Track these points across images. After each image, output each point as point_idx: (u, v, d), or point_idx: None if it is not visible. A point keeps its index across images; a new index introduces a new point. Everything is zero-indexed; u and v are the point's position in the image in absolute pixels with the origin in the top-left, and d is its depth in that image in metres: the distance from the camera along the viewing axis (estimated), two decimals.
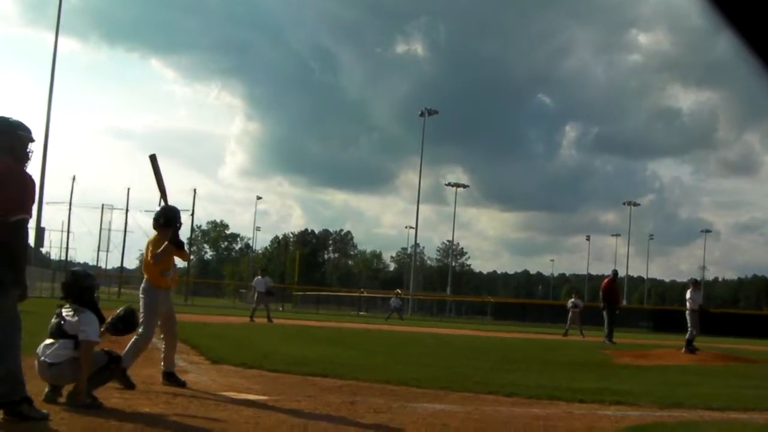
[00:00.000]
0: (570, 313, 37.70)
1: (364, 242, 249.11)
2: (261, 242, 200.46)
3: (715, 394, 11.12)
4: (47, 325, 8.11)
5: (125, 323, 8.78)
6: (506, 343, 27.19)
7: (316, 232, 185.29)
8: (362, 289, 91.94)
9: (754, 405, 9.96)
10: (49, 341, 7.89)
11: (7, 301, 6.74)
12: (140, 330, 9.47)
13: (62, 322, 7.89)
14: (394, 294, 65.02)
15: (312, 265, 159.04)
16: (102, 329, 8.15)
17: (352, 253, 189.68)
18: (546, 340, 31.42)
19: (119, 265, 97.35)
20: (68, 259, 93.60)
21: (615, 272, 31.74)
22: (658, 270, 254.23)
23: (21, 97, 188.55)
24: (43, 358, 7.78)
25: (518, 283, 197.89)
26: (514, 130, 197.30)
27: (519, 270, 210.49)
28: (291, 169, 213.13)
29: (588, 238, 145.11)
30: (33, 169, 7.24)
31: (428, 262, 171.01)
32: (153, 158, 9.97)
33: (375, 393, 10.00)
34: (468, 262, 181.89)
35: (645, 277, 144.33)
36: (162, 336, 10.11)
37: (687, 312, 22.64)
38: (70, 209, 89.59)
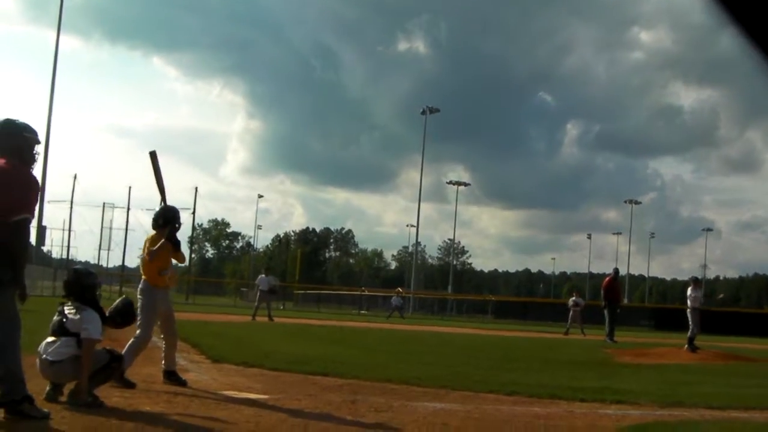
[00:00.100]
0: (571, 312, 37.68)
1: (365, 241, 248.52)
2: (262, 241, 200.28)
3: (716, 393, 11.12)
4: (48, 323, 8.12)
5: (123, 315, 8.76)
6: (507, 341, 27.20)
7: (318, 230, 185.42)
8: (363, 288, 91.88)
9: (755, 404, 9.95)
10: (50, 339, 7.89)
11: (7, 301, 6.75)
12: (138, 331, 9.48)
13: (64, 320, 7.89)
14: (395, 292, 65.06)
15: (313, 264, 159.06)
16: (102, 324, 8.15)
17: (353, 251, 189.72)
18: (547, 338, 31.41)
19: (120, 263, 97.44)
20: (69, 257, 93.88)
21: (616, 271, 31.75)
22: (660, 268, 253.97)
23: (23, 96, 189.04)
24: (44, 356, 7.78)
25: (519, 281, 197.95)
26: (515, 128, 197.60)
27: (520, 268, 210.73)
28: (292, 168, 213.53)
29: (589, 237, 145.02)
30: (35, 167, 7.26)
31: (429, 260, 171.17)
32: (153, 155, 9.94)
33: (376, 392, 10.00)
34: (469, 261, 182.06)
35: (646, 276, 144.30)
36: (162, 335, 10.11)
37: (688, 310, 22.66)
38: (71, 208, 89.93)
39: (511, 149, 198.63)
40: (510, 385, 11.02)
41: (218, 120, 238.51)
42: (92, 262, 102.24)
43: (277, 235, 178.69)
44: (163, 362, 9.92)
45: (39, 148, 7.37)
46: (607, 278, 30.32)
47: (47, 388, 7.83)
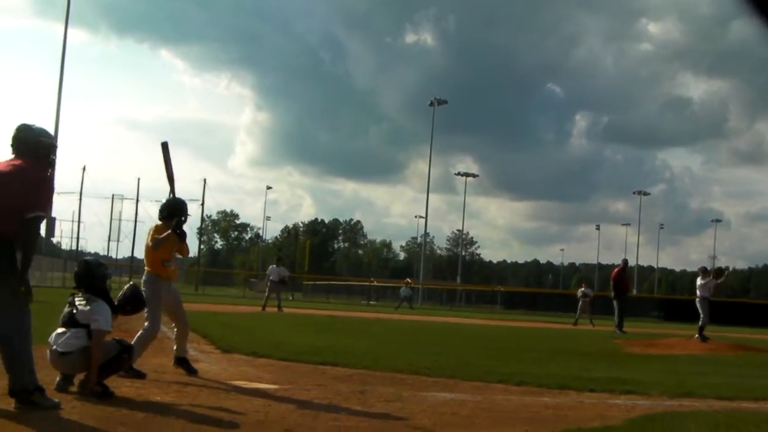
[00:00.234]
0: (580, 303, 37.67)
1: (374, 232, 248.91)
2: (271, 232, 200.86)
3: (725, 384, 11.10)
4: (59, 314, 8.14)
5: (132, 303, 8.77)
6: (516, 332, 27.21)
7: (326, 221, 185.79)
8: (372, 279, 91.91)
9: (764, 395, 9.93)
10: (60, 330, 7.91)
11: (11, 292, 6.79)
12: (146, 323, 9.49)
13: (74, 312, 7.91)
14: (404, 283, 64.91)
15: (322, 255, 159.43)
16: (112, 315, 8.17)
17: (362, 242, 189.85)
18: (556, 329, 31.42)
19: (130, 254, 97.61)
20: (79, 249, 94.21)
21: (625, 261, 31.68)
22: (669, 259, 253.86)
23: (32, 89, 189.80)
24: (54, 347, 7.80)
25: (528, 272, 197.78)
26: (523, 120, 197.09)
27: (529, 259, 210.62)
28: (301, 159, 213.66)
29: (598, 228, 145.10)
30: (52, 171, 7.34)
31: (438, 251, 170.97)
32: (165, 146, 9.93)
33: (385, 382, 10.02)
34: (478, 252, 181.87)
35: (655, 267, 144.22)
36: (173, 326, 10.13)
37: (697, 300, 22.64)
38: (80, 199, 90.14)
39: (520, 141, 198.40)
40: (519, 375, 11.02)
41: (226, 112, 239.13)
42: (101, 253, 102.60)
43: (286, 227, 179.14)
44: (174, 349, 9.96)
45: (55, 153, 7.45)
46: (616, 269, 30.26)
47: (57, 378, 7.86)
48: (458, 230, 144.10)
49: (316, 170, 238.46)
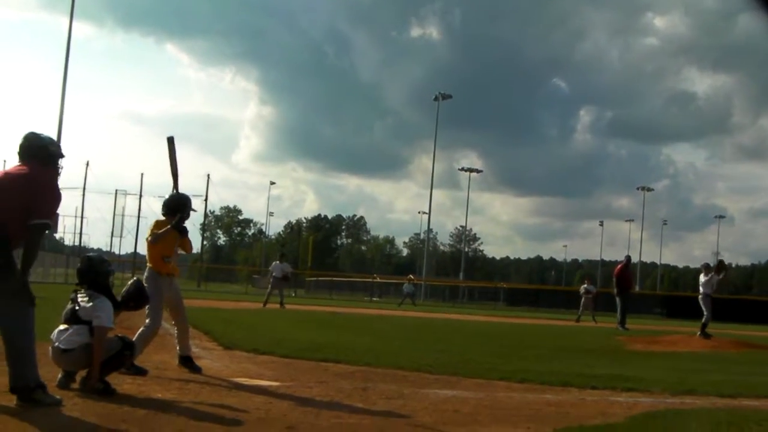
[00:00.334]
0: (583, 299, 37.72)
1: (377, 227, 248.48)
2: (274, 228, 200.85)
3: (727, 381, 11.10)
4: (61, 310, 8.15)
5: (136, 299, 8.77)
6: (519, 329, 27.22)
7: (330, 217, 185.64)
8: (375, 275, 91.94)
9: (766, 392, 9.94)
10: (63, 327, 7.92)
11: (12, 287, 6.81)
12: (147, 320, 9.48)
13: (77, 308, 7.91)
14: (407, 279, 64.98)
15: (325, 251, 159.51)
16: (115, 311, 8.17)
17: (365, 238, 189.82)
18: (558, 326, 31.43)
19: (133, 250, 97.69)
20: (82, 244, 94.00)
21: (628, 258, 31.61)
22: (672, 256, 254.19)
23: (36, 83, 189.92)
24: (57, 343, 7.81)
25: (531, 268, 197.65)
26: (528, 115, 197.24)
27: (532, 256, 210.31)
28: (305, 154, 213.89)
29: (601, 224, 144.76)
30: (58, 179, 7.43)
31: (441, 247, 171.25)
32: (170, 141, 9.91)
33: (387, 379, 10.02)
34: (481, 248, 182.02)
35: (658, 263, 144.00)
36: (173, 323, 10.13)
37: (700, 297, 22.62)
38: (83, 195, 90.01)
39: (524, 136, 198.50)
40: (521, 372, 11.02)
41: (231, 107, 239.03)
42: (105, 249, 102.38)
43: (289, 222, 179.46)
44: (177, 348, 9.95)
45: (63, 162, 7.46)
46: (619, 265, 30.25)
47: (59, 375, 7.87)
48: (461, 226, 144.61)
49: (319, 165, 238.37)
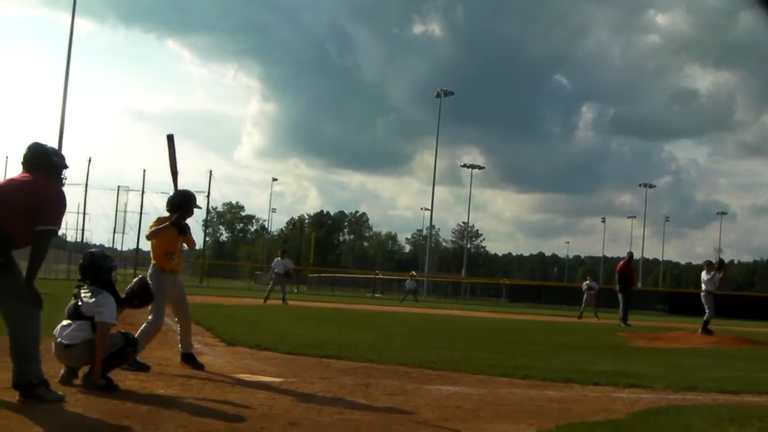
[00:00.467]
0: (585, 296, 37.66)
1: (379, 224, 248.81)
2: (276, 224, 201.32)
3: (729, 377, 11.10)
4: (63, 306, 8.15)
5: (140, 297, 8.77)
6: (521, 325, 27.21)
7: (332, 213, 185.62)
8: (377, 271, 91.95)
9: None
10: (65, 322, 7.93)
11: (14, 283, 6.83)
12: (150, 316, 9.49)
13: (79, 304, 7.92)
14: (409, 276, 64.93)
15: (327, 247, 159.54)
16: (118, 308, 8.18)
17: (367, 234, 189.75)
18: (561, 322, 31.44)
19: (135, 246, 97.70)
20: (84, 241, 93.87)
21: (630, 254, 31.58)
22: (674, 252, 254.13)
23: (38, 79, 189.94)
24: (59, 339, 7.82)
25: (533, 265, 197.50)
26: (530, 112, 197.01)
27: (534, 252, 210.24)
28: (307, 151, 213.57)
29: (603, 220, 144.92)
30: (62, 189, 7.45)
31: (443, 244, 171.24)
32: (170, 138, 9.88)
33: (390, 375, 10.03)
34: (483, 244, 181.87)
35: (660, 260, 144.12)
36: (176, 319, 10.13)
37: (702, 295, 22.61)
38: (85, 191, 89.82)
39: (526, 132, 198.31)
40: (524, 368, 11.03)
41: (233, 103, 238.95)
42: (107, 245, 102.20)
43: (292, 219, 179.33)
44: (179, 345, 9.95)
45: (66, 173, 7.52)
46: (621, 262, 30.25)
47: (62, 371, 7.88)
48: (464, 222, 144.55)
49: (322, 162, 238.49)
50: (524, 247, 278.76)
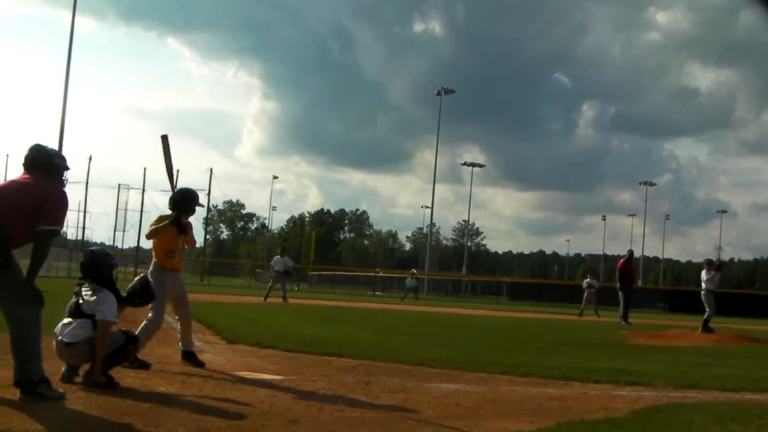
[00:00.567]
0: (585, 294, 37.69)
1: (380, 222, 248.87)
2: (277, 222, 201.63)
3: (730, 375, 11.10)
4: (64, 304, 8.16)
5: (142, 295, 8.78)
6: (521, 323, 27.22)
7: (332, 211, 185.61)
8: (378, 269, 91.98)
9: None
10: (66, 320, 7.93)
11: (15, 281, 6.84)
12: (150, 314, 9.49)
13: (80, 302, 7.93)
14: (409, 274, 65.03)
15: (328, 245, 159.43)
16: (119, 306, 8.18)
17: (367, 232, 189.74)
18: (561, 320, 31.44)
19: (135, 244, 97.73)
20: (85, 239, 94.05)
21: (631, 252, 31.58)
22: (674, 250, 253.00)
23: (39, 77, 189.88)
24: (60, 337, 7.82)
25: (534, 263, 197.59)
26: (531, 110, 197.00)
27: (534, 250, 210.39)
28: (308, 149, 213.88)
29: (604, 218, 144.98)
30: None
31: (444, 242, 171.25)
32: (164, 139, 9.85)
33: (390, 373, 10.03)
34: (484, 242, 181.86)
35: (661, 258, 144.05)
36: (177, 317, 10.13)
37: (702, 293, 22.60)
38: (86, 189, 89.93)
39: (527, 130, 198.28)
40: (524, 366, 11.04)
41: (234, 101, 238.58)
42: (107, 243, 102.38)
43: (292, 217, 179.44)
44: (180, 343, 9.95)
45: (68, 174, 7.54)
46: (622, 260, 30.25)
47: (63, 368, 7.88)
48: (464, 221, 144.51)
49: (322, 160, 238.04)
50: (525, 245, 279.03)
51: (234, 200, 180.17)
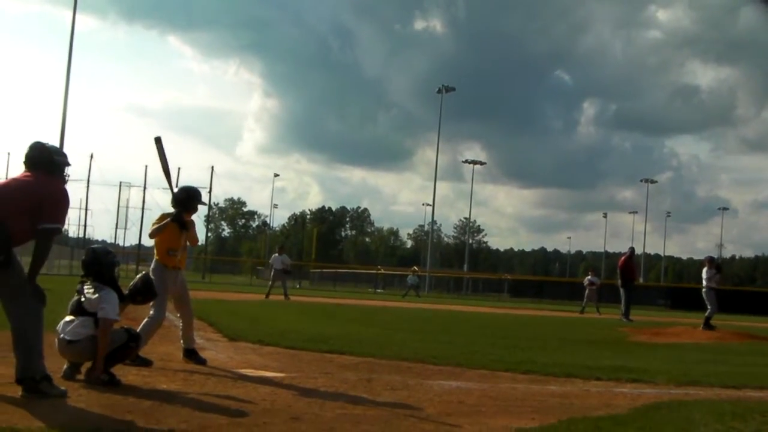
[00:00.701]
0: (587, 291, 37.69)
1: (381, 219, 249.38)
2: (278, 219, 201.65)
3: (731, 372, 11.11)
4: (65, 302, 8.16)
5: (144, 293, 8.77)
6: (523, 320, 27.23)
7: (334, 209, 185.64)
8: (379, 267, 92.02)
9: None
10: (68, 318, 7.93)
11: (16, 279, 6.85)
12: (152, 311, 9.49)
13: (82, 300, 7.93)
14: (410, 271, 65.05)
15: (329, 243, 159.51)
16: (121, 304, 8.18)
17: (369, 230, 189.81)
18: (562, 317, 31.43)
19: (137, 242, 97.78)
20: (86, 236, 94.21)
21: (632, 249, 31.58)
22: (676, 247, 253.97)
23: (40, 75, 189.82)
24: (62, 335, 7.82)
25: (535, 260, 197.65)
26: (532, 107, 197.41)
27: (536, 247, 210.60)
28: (309, 146, 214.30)
29: (605, 216, 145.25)
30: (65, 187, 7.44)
31: (445, 239, 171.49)
32: (158, 141, 9.83)
33: (391, 370, 10.03)
34: (485, 240, 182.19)
35: (662, 255, 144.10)
36: (178, 315, 10.13)
37: (703, 290, 22.58)
38: (88, 187, 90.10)
39: (528, 128, 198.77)
40: (526, 363, 11.04)
41: (234, 99, 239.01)
42: (109, 241, 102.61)
43: (293, 214, 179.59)
44: (181, 341, 9.95)
45: (69, 170, 7.53)
46: (623, 257, 30.23)
47: (65, 366, 7.89)
48: (465, 218, 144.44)
49: (324, 158, 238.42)
50: (526, 242, 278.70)
51: (235, 198, 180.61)
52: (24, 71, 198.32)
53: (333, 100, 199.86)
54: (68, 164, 7.46)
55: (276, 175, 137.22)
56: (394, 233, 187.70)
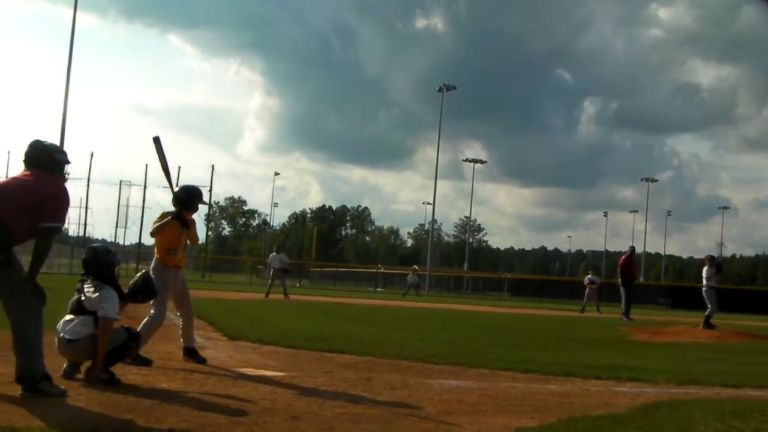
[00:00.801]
0: (587, 290, 37.68)
1: (381, 218, 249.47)
2: (278, 218, 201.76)
3: (731, 371, 11.11)
4: (65, 301, 8.16)
5: (144, 292, 8.77)
6: (523, 319, 27.22)
7: (334, 208, 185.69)
8: (379, 266, 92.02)
9: None
10: (68, 317, 7.93)
11: (16, 278, 6.85)
12: (152, 310, 9.48)
13: (82, 299, 7.93)
14: (411, 270, 65.06)
15: (329, 242, 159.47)
16: (121, 302, 8.18)
17: (369, 229, 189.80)
18: (563, 316, 31.43)
19: (137, 241, 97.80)
20: (86, 235, 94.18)
21: (632, 248, 31.53)
22: (676, 246, 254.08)
23: (40, 74, 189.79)
24: (62, 334, 7.82)
25: (535, 259, 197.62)
26: (532, 106, 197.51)
27: (536, 246, 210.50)
28: (309, 145, 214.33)
29: (605, 215, 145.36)
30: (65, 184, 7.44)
31: (445, 238, 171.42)
32: (156, 140, 9.83)
33: (391, 369, 10.03)
34: (485, 239, 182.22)
35: (662, 254, 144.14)
36: (179, 314, 10.12)
37: (703, 289, 22.56)
38: (88, 185, 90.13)
39: (529, 127, 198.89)
40: (526, 362, 11.04)
41: (235, 98, 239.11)
42: (109, 239, 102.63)
43: (294, 213, 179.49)
44: (181, 340, 9.95)
45: (69, 169, 7.53)
46: (624, 256, 30.20)
47: (64, 365, 7.89)
48: (466, 217, 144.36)
49: (324, 156, 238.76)
50: (526, 241, 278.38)
51: (236, 197, 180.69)
52: (24, 69, 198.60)
53: (334, 98, 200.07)
54: (68, 163, 7.46)
55: (276, 174, 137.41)
56: (394, 232, 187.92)
